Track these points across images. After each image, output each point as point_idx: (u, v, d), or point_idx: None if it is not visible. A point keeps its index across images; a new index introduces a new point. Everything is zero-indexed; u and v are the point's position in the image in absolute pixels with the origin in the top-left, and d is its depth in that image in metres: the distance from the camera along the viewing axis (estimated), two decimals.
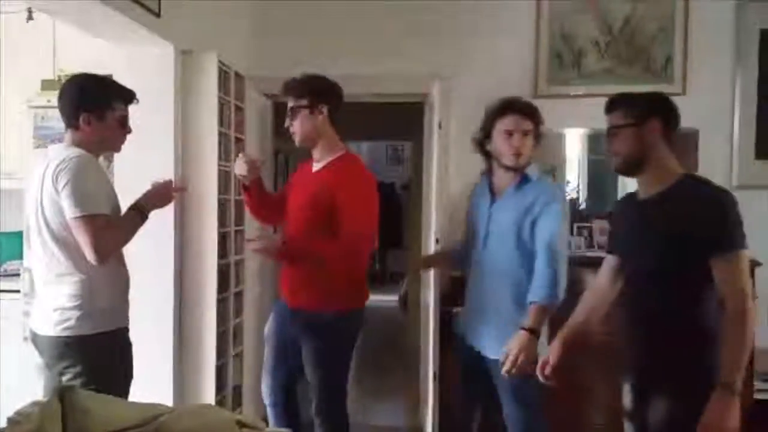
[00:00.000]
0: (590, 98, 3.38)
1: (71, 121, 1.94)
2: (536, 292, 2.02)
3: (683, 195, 1.66)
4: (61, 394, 1.41)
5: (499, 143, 2.14)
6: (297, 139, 2.30)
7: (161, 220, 2.65)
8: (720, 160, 3.30)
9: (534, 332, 1.99)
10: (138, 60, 2.66)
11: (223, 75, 2.89)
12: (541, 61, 3.40)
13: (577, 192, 3.46)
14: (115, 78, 2.74)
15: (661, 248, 1.66)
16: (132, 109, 2.70)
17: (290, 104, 2.29)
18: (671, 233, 1.63)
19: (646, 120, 1.72)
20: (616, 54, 3.39)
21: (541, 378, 1.94)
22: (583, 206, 3.39)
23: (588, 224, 3.19)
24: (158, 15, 2.52)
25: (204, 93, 2.78)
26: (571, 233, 3.16)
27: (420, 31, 3.41)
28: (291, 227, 2.37)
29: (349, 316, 2.27)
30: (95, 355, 1.90)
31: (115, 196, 2.05)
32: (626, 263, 1.85)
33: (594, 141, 3.62)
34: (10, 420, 1.45)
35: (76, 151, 1.89)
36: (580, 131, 3.56)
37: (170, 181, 2.17)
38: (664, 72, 3.35)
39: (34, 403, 1.48)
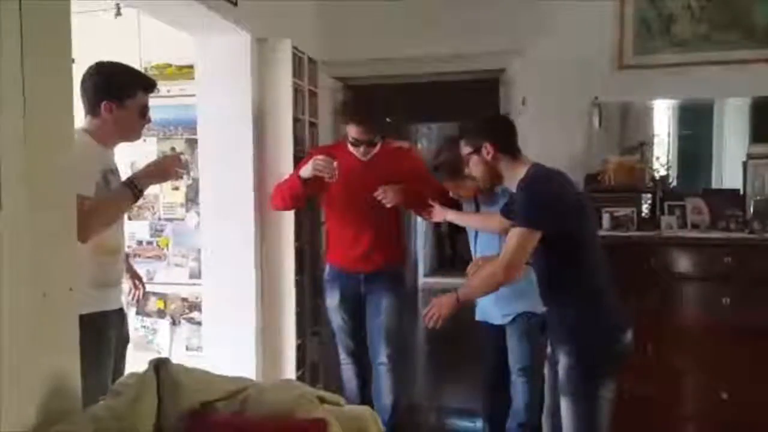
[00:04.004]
0: (681, 67, 3.15)
1: (92, 108, 1.94)
2: None
3: (522, 184, 1.92)
4: (157, 367, 1.48)
5: None
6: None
7: (242, 206, 2.75)
8: None
9: None
10: (216, 49, 2.74)
11: (297, 61, 2.93)
12: (627, 29, 3.16)
13: (667, 169, 3.23)
14: (195, 67, 2.87)
15: None
16: (212, 96, 2.81)
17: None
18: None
19: (480, 146, 1.96)
20: (710, 18, 3.11)
21: None
22: (674, 184, 3.16)
23: (680, 203, 2.97)
24: (235, 4, 2.57)
25: (279, 79, 2.82)
26: (662, 212, 2.97)
27: (495, 6, 3.29)
28: (369, 214, 2.60)
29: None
30: None
31: (106, 179, 1.95)
32: None
33: (685, 113, 3.38)
34: (111, 391, 1.55)
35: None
36: (670, 103, 3.32)
37: (175, 156, 2.08)
38: None
39: (132, 375, 1.57)
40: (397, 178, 2.57)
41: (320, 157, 2.54)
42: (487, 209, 2.47)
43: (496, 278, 1.88)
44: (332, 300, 2.77)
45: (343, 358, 2.83)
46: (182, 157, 2.00)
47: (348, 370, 2.83)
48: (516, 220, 1.87)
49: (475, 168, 1.99)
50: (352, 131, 2.59)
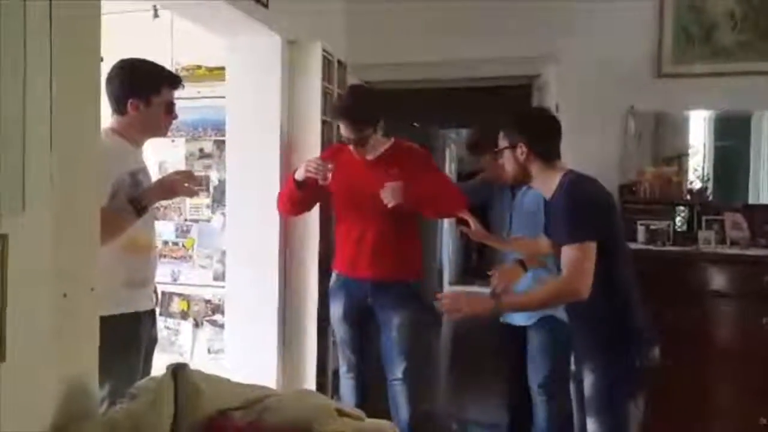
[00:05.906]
0: (719, 77, 3.04)
1: (119, 107, 1.92)
2: None
3: (560, 193, 1.83)
4: (174, 372, 1.46)
5: None
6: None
7: (268, 209, 2.72)
8: None
9: None
10: (246, 51, 2.74)
11: (327, 63, 2.91)
12: (666, 37, 3.08)
13: (704, 181, 3.12)
14: (226, 69, 2.87)
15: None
16: (242, 98, 2.81)
17: None
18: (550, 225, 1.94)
19: (516, 143, 1.88)
20: (754, 26, 3.00)
21: None
22: (711, 197, 3.04)
23: (719, 217, 2.85)
24: (266, 6, 2.57)
25: (309, 81, 2.81)
26: (700, 227, 2.86)
27: (531, 11, 3.22)
28: (373, 216, 2.43)
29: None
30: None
31: (136, 179, 1.91)
32: None
33: (723, 124, 3.27)
34: (129, 394, 1.53)
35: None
36: (707, 114, 3.22)
37: (186, 174, 2.02)
38: None
39: (151, 379, 1.56)
40: (403, 178, 2.37)
41: (312, 158, 2.44)
42: (521, 197, 2.38)
43: (558, 299, 1.83)
44: (336, 310, 2.58)
45: (344, 372, 2.64)
46: (197, 174, 1.92)
47: (346, 385, 2.63)
48: (563, 236, 1.73)
49: (507, 162, 1.92)
50: (342, 129, 2.45)
